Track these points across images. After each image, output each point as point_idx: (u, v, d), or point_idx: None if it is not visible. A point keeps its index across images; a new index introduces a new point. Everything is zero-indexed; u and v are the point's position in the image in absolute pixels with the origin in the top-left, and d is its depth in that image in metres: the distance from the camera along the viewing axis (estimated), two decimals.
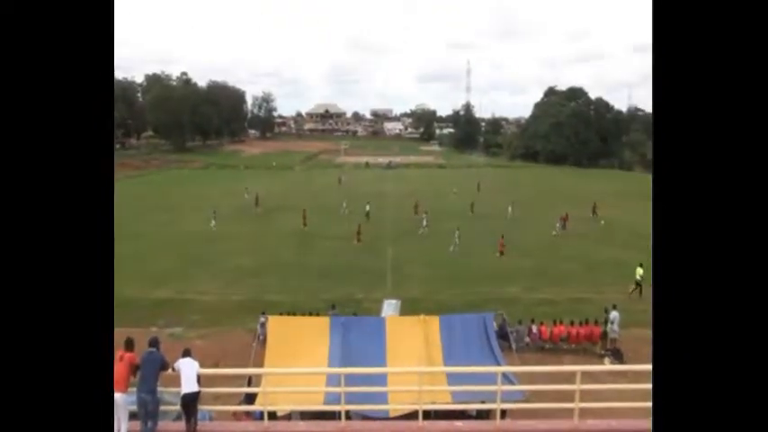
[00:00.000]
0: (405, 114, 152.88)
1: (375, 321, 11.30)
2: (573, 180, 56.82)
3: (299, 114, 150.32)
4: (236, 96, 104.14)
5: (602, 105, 79.57)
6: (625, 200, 40.63)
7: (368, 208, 34.59)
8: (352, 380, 7.23)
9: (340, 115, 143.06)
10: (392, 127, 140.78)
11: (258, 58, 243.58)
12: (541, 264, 23.76)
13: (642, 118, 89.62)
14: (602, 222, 32.80)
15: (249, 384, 9.61)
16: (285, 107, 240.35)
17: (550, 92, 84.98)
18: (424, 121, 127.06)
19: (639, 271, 19.50)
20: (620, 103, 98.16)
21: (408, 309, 15.35)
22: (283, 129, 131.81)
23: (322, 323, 10.79)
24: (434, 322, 10.76)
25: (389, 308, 15.16)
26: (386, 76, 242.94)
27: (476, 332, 10.84)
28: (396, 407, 8.14)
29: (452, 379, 8.98)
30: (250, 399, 8.76)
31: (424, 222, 30.33)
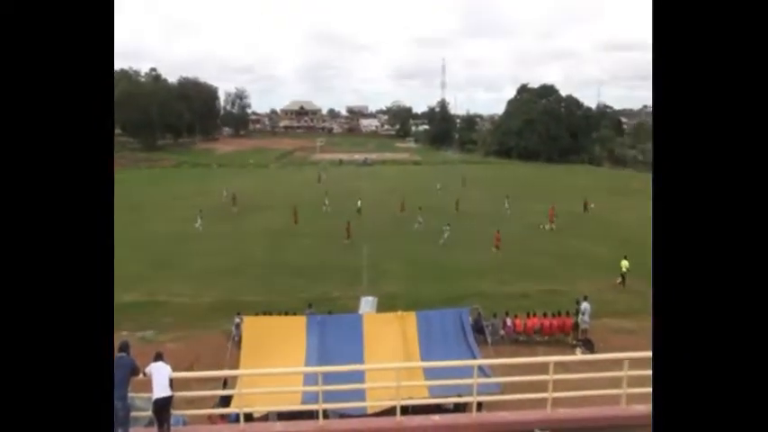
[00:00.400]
0: (381, 111, 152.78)
1: (352, 319, 11.30)
2: (548, 175, 58.02)
3: (273, 111, 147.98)
4: (209, 93, 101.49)
5: (572, 102, 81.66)
6: (599, 194, 41.76)
7: (359, 204, 34.63)
8: (329, 378, 7.21)
9: (315, 112, 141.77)
10: (368, 124, 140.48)
11: (231, 54, 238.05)
12: (523, 258, 24.25)
13: (611, 115, 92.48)
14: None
15: (224, 387, 9.46)
16: (259, 104, 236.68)
17: (523, 89, 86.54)
18: (399, 117, 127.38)
19: (625, 263, 20.43)
20: (590, 101, 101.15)
21: (386, 305, 15.39)
22: (257, 126, 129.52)
23: (298, 322, 10.72)
24: (411, 318, 10.86)
25: (366, 305, 15.20)
26: (362, 73, 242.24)
27: (452, 327, 11.00)
28: (374, 404, 8.17)
29: (429, 374, 9.08)
30: (225, 401, 8.63)
31: (420, 218, 30.55)
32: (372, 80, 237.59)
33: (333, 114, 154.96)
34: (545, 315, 15.90)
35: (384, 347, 9.99)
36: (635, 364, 6.65)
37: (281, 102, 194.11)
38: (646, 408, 6.44)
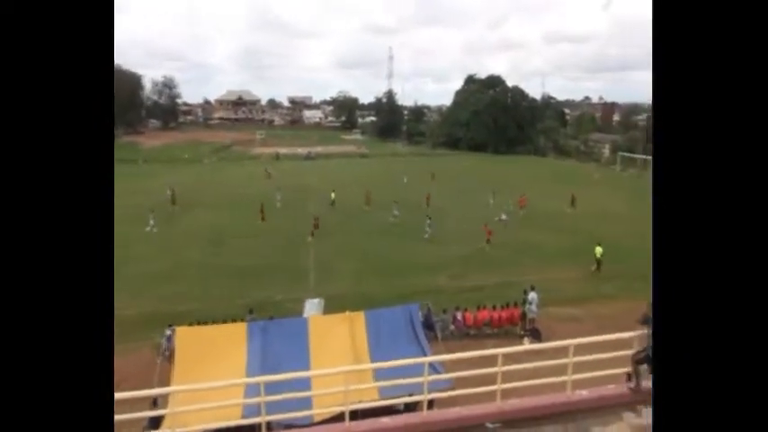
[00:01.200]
0: (325, 102, 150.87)
1: (297, 323, 11.12)
2: (500, 167, 59.93)
3: (207, 102, 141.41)
4: (132, 81, 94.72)
5: (518, 93, 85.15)
6: (550, 184, 43.94)
7: (333, 196, 34.24)
8: (272, 388, 7.01)
9: (254, 103, 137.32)
10: (311, 115, 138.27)
11: (159, 39, 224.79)
12: (479, 251, 24.99)
13: (554, 106, 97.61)
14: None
15: (154, 407, 8.94)
16: (191, 94, 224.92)
17: (470, 80, 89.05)
18: (345, 108, 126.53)
19: (599, 250, 21.97)
20: (534, 92, 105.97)
21: (334, 306, 15.30)
22: (189, 118, 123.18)
23: (238, 330, 10.37)
24: (360, 318, 10.89)
25: (312, 307, 15.03)
26: (304, 62, 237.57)
27: (402, 325, 11.13)
28: (320, 411, 8.07)
29: (379, 375, 9.12)
30: (155, 423, 8.15)
31: (395, 211, 30.58)
32: (316, 69, 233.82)
33: (273, 105, 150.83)
34: (494, 307, 16.52)
35: (331, 351, 9.94)
36: (579, 350, 7.05)
37: (216, 92, 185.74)
38: (589, 392, 6.86)
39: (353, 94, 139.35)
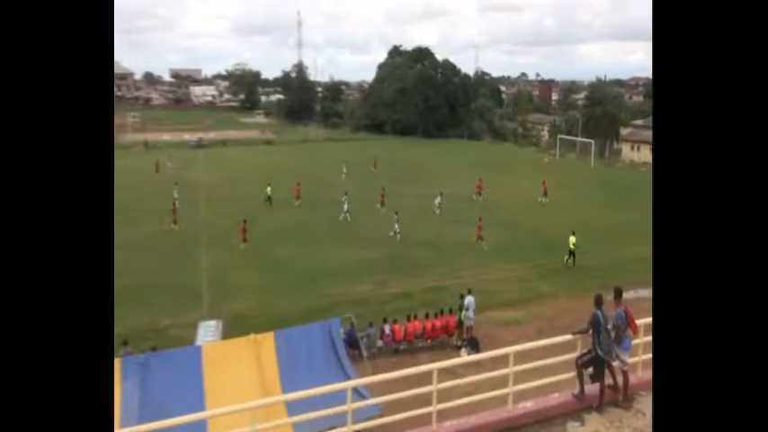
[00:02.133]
0: (219, 76, 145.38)
1: (187, 353, 10.67)
2: (438, 153, 61.64)
3: None
4: None
5: (449, 68, 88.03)
6: (498, 172, 46.01)
7: (269, 191, 33.98)
8: None
9: (125, 77, 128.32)
10: (202, 93, 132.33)
11: None
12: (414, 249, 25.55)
13: (489, 83, 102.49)
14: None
15: None
16: None
17: (395, 52, 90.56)
18: (244, 84, 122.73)
19: (572, 239, 23.50)
20: (467, 67, 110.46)
21: (236, 328, 14.90)
22: None
23: None
24: (269, 341, 10.70)
25: (207, 332, 14.46)
26: (191, 26, 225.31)
27: (320, 344, 11.08)
28: None
29: (293, 407, 8.95)
30: None
31: (345, 207, 30.69)
32: (206, 35, 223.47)
33: (151, 80, 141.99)
34: (427, 316, 17.01)
35: (233, 384, 9.67)
36: (521, 357, 7.45)
37: None
38: (533, 404, 7.28)
39: (254, 66, 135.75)
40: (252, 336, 10.79)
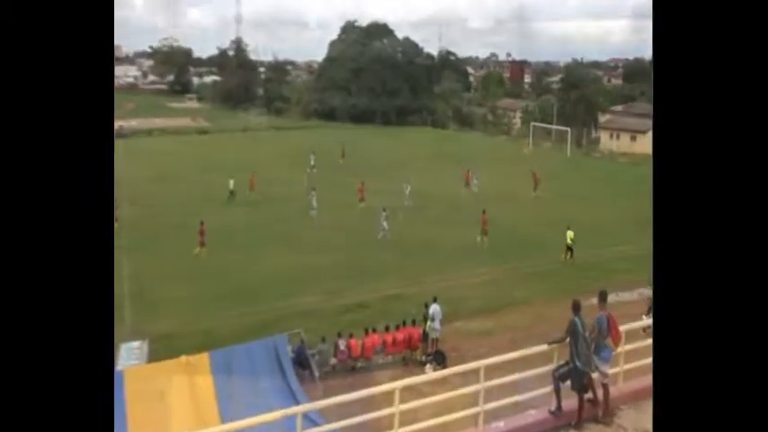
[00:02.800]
0: (142, 54, 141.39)
1: None
2: (403, 143, 62.13)
3: None
4: None
5: (410, 47, 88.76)
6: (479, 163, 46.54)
7: (231, 186, 34.32)
8: None
9: None
10: (122, 73, 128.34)
11: None
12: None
13: (455, 64, 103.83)
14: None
15: None
16: None
17: (349, 28, 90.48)
18: (173, 64, 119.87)
19: (570, 234, 24.66)
20: (430, 46, 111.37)
21: (165, 349, 14.56)
22: None
23: None
24: (203, 362, 10.72)
25: (129, 355, 14.12)
26: None
27: (264, 365, 11.05)
28: None
29: None
30: None
31: (314, 202, 31.02)
32: (126, 5, 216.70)
33: None
34: (387, 329, 17.09)
35: (161, 413, 9.58)
36: (492, 371, 7.56)
37: None
38: (505, 424, 7.40)
39: (185, 43, 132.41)
40: (183, 357, 10.71)
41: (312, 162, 44.08)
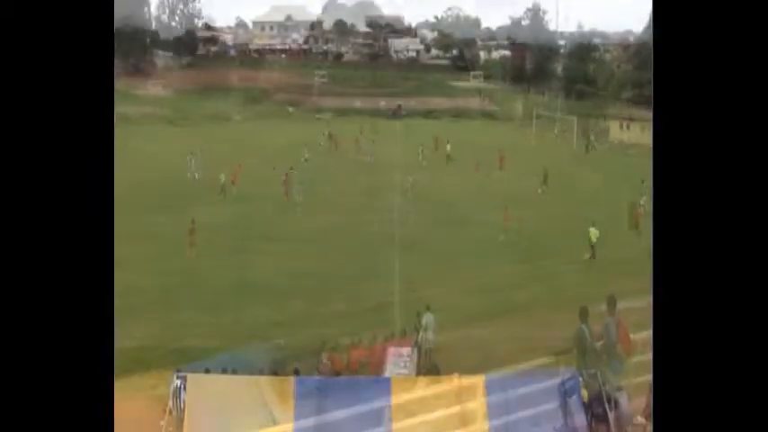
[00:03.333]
0: (425, 25, 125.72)
1: None
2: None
3: (241, 23, 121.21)
4: None
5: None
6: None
7: (222, 179, 35.58)
8: None
9: (313, 26, 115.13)
10: (404, 46, 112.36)
11: None
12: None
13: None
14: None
15: None
16: (219, 12, 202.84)
17: None
18: (457, 37, 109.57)
19: (595, 232, 25.11)
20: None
21: (132, 365, 14.15)
22: (214, 49, 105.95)
23: None
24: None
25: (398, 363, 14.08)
26: None
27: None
28: None
29: None
30: None
31: (299, 197, 32.20)
32: None
33: (343, 30, 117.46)
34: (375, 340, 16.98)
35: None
36: (491, 386, 7.56)
37: (256, 8, 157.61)
38: None
39: (472, 12, 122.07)
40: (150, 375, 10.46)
41: (306, 157, 44.62)
